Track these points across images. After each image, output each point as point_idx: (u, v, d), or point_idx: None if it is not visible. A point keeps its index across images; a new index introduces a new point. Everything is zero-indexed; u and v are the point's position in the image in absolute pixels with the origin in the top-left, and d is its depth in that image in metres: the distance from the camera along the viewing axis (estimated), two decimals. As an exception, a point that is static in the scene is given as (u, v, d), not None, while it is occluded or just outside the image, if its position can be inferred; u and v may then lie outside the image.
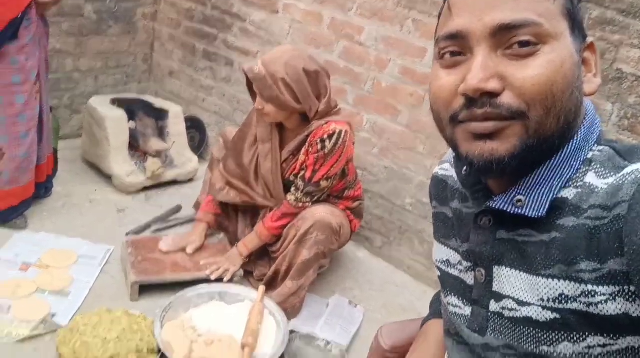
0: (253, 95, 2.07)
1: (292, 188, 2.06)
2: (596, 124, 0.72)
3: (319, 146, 1.95)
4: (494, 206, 0.70)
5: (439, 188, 0.89)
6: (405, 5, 2.26)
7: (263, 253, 2.19)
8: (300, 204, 2.03)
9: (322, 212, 1.97)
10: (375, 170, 2.53)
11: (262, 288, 2.03)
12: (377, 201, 2.57)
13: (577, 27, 0.67)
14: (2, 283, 1.91)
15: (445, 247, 0.85)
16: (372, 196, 2.57)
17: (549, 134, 0.65)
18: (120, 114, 2.75)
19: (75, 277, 2.05)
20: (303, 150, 2.03)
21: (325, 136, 1.95)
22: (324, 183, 2.00)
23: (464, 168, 0.75)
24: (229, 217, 2.38)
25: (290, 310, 2.03)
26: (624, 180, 0.63)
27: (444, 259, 0.85)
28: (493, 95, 0.63)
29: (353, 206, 2.22)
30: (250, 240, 2.13)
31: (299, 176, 2.03)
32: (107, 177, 2.78)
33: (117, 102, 2.90)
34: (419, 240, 2.46)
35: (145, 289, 2.03)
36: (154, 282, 2.02)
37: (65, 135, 3.13)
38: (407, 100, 2.34)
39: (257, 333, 1.86)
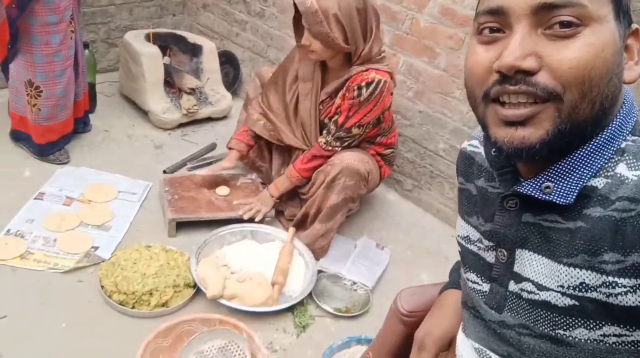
0: (298, 31, 2.03)
1: (324, 131, 2.07)
2: (633, 113, 0.69)
3: (355, 93, 1.93)
4: (522, 191, 0.70)
5: (466, 164, 0.89)
6: (448, -60, 2.13)
7: (294, 194, 2.24)
8: (330, 148, 2.04)
9: (351, 158, 1.98)
10: (409, 113, 2.50)
11: (292, 229, 2.09)
12: (409, 145, 2.56)
13: (622, 11, 0.64)
14: (48, 217, 2.03)
15: (467, 224, 0.86)
16: (405, 140, 2.55)
17: (581, 119, 0.63)
18: (155, 50, 2.76)
19: (116, 211, 2.15)
20: (340, 94, 2.01)
21: (363, 83, 1.92)
22: (355, 130, 2.00)
23: (493, 149, 0.75)
24: (263, 156, 2.41)
25: (319, 250, 2.10)
26: None
27: (465, 235, 0.86)
28: (528, 73, 0.62)
29: (384, 152, 2.22)
30: (281, 182, 2.17)
31: (332, 120, 2.03)
32: (144, 112, 2.84)
33: (152, 37, 2.90)
34: (449, 186, 2.46)
35: (181, 226, 2.12)
36: (189, 219, 2.11)
37: (103, 68, 3.18)
38: (446, 43, 2.26)
39: (287, 272, 1.94)
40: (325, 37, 1.87)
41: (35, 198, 2.13)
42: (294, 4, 1.92)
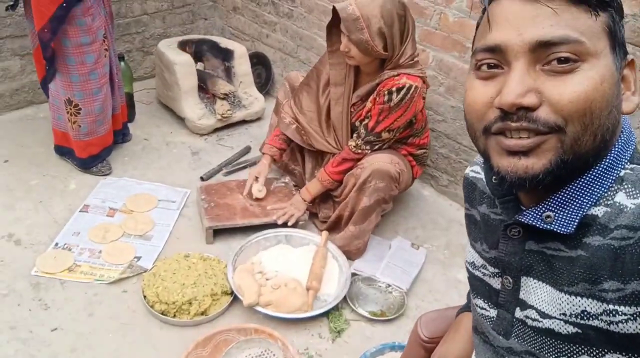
0: (331, 36, 2.04)
1: (354, 134, 2.07)
2: (631, 141, 0.69)
3: (385, 98, 1.93)
4: (523, 220, 0.70)
5: (469, 190, 0.89)
6: None
7: (327, 197, 2.26)
8: (360, 151, 2.05)
9: (381, 161, 1.98)
10: (442, 109, 2.47)
11: (325, 233, 2.12)
12: (443, 140, 2.53)
13: (617, 44, 0.64)
14: (93, 229, 2.13)
15: (472, 249, 0.87)
16: (438, 135, 2.53)
17: (584, 151, 0.63)
18: (188, 58, 2.82)
19: (157, 220, 2.23)
20: (371, 97, 2.01)
21: (394, 88, 1.91)
22: (385, 135, 2.00)
23: (495, 178, 0.75)
24: (296, 159, 2.44)
25: (355, 251, 2.12)
26: None
27: (471, 261, 0.87)
28: (529, 109, 0.62)
29: (417, 153, 2.21)
30: (312, 186, 2.19)
31: (363, 124, 2.04)
32: (181, 119, 2.91)
33: (185, 45, 2.96)
34: (485, 181, 2.42)
35: (218, 232, 2.18)
36: (225, 227, 2.16)
37: (140, 76, 3.28)
38: (475, 37, 2.21)
39: (321, 276, 1.97)
40: (364, 44, 1.86)
41: (80, 211, 2.23)
42: (333, 10, 1.92)
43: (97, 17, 2.16)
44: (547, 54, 0.61)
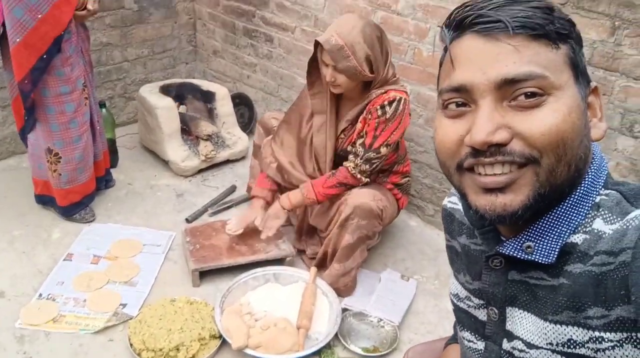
0: (311, 71, 2.07)
1: (351, 156, 2.04)
2: (603, 166, 0.70)
3: (379, 112, 1.95)
4: (504, 252, 0.70)
5: (447, 221, 0.89)
6: (442, -31, 2.15)
7: (313, 233, 2.25)
8: (359, 175, 2.01)
9: (362, 197, 1.97)
10: (422, 140, 2.50)
11: (313, 269, 2.10)
12: (426, 171, 2.55)
13: (580, 73, 0.65)
14: (77, 277, 2.10)
15: (456, 280, 0.86)
16: (421, 166, 2.55)
17: (559, 182, 0.64)
18: (169, 102, 2.84)
19: (142, 266, 2.20)
20: (360, 118, 2.03)
21: (386, 102, 1.95)
22: (383, 150, 2.00)
23: (474, 214, 0.75)
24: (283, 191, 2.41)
25: (343, 288, 2.10)
26: (628, 225, 0.62)
27: (455, 293, 0.86)
28: (501, 145, 0.62)
29: (401, 182, 2.23)
30: (294, 197, 2.10)
31: (359, 143, 2.02)
32: (165, 162, 2.91)
33: (166, 89, 2.99)
34: (470, 209, 2.43)
35: (205, 274, 2.15)
36: (212, 268, 2.14)
37: (123, 122, 3.29)
38: (450, 68, 2.26)
39: (311, 314, 1.95)
40: (352, 70, 1.89)
41: (64, 260, 2.20)
42: (315, 44, 1.95)
43: (76, 66, 2.18)
44: (512, 90, 0.62)
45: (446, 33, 0.68)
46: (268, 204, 2.26)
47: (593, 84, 0.68)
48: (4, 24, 2.01)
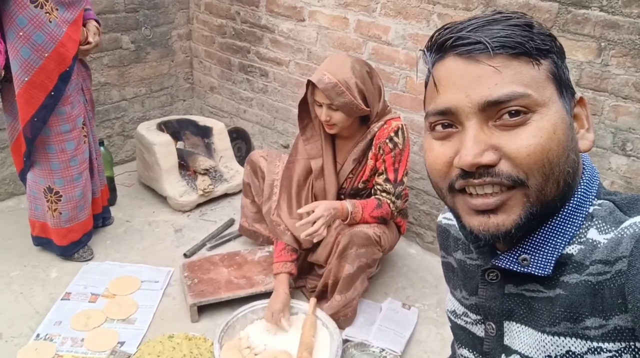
0: (301, 112, 2.09)
1: (382, 193, 2.02)
2: (595, 177, 0.70)
3: (390, 145, 1.98)
4: (500, 265, 0.70)
5: (443, 237, 0.89)
6: (429, 1, 2.20)
7: (311, 267, 2.24)
8: (396, 211, 2.05)
9: (359, 226, 1.97)
10: (418, 166, 2.51)
11: (313, 300, 2.08)
12: (423, 197, 2.55)
13: (564, 87, 0.66)
14: (75, 316, 2.07)
15: (453, 297, 0.85)
16: (418, 193, 2.55)
17: (550, 199, 0.64)
18: (167, 138, 2.87)
19: (140, 303, 2.18)
20: (370, 154, 2.04)
21: (392, 134, 1.98)
22: (405, 179, 2.05)
23: (468, 234, 0.75)
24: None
25: (343, 319, 2.07)
26: (622, 234, 0.62)
27: (452, 310, 0.85)
28: (489, 166, 0.63)
29: (403, 207, 2.23)
30: (349, 208, 1.97)
31: (382, 180, 2.02)
32: (163, 198, 2.92)
33: (164, 126, 3.02)
34: (469, 234, 2.42)
35: (204, 309, 2.13)
36: (210, 302, 2.12)
37: (121, 160, 3.31)
38: (442, 95, 2.29)
39: (312, 346, 1.91)
40: (349, 105, 1.91)
41: (62, 299, 2.18)
42: (307, 84, 1.97)
43: (76, 105, 2.21)
44: (496, 110, 0.63)
45: (428, 56, 0.69)
46: (292, 276, 2.14)
47: (578, 95, 0.69)
48: (6, 67, 2.05)
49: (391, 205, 2.03)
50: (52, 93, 2.07)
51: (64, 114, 2.16)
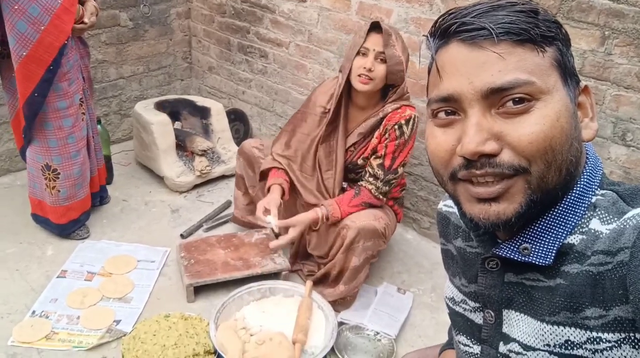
0: (347, 69, 2.00)
1: (370, 178, 2.01)
2: (598, 167, 0.70)
3: (397, 133, 1.96)
4: (501, 253, 0.70)
5: (443, 224, 0.89)
6: (433, -17, 2.18)
7: (309, 254, 2.24)
8: (380, 196, 2.01)
9: (365, 219, 1.95)
10: (417, 152, 2.50)
11: (309, 283, 2.08)
12: (420, 183, 2.55)
13: (568, 75, 0.65)
14: (71, 294, 2.07)
15: (451, 284, 0.86)
16: (416, 178, 2.55)
17: (551, 187, 0.64)
18: (164, 117, 2.85)
19: (136, 282, 2.18)
20: (376, 133, 2.02)
21: (402, 121, 1.96)
22: (400, 170, 2.02)
23: (468, 222, 0.75)
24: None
25: (341, 302, 2.08)
26: (625, 225, 0.62)
27: (450, 296, 0.85)
28: (491, 155, 0.62)
29: (400, 195, 2.24)
30: (323, 213, 2.00)
31: (376, 164, 2.00)
32: (160, 178, 2.91)
33: (161, 105, 3.00)
34: (465, 221, 2.43)
35: (200, 289, 2.14)
36: (207, 283, 2.12)
37: (118, 139, 3.29)
38: (443, 81, 2.28)
39: (307, 328, 1.92)
40: (396, 60, 1.91)
41: (57, 277, 2.18)
42: (371, 27, 1.94)
43: (74, 81, 2.18)
44: (499, 97, 0.62)
45: (431, 42, 0.68)
46: (284, 194, 2.15)
47: (583, 84, 0.68)
48: (4, 43, 2.02)
49: (373, 190, 2.01)
50: (51, 67, 2.05)
51: (61, 91, 2.13)
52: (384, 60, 1.91)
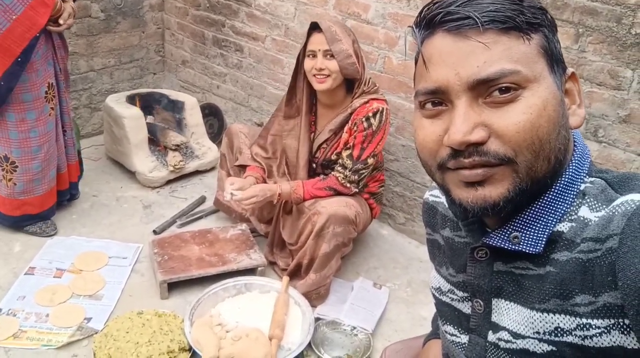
0: (296, 74, 2.12)
1: (339, 168, 2.06)
2: (586, 154, 0.70)
3: (365, 124, 1.98)
4: (490, 243, 0.70)
5: (429, 214, 0.89)
6: (410, -21, 2.18)
7: (284, 245, 2.22)
8: (348, 184, 2.04)
9: (336, 205, 1.97)
10: (393, 148, 2.51)
11: (286, 278, 2.07)
12: (396, 179, 2.56)
13: (555, 61, 0.65)
14: (40, 291, 2.01)
15: (438, 274, 0.85)
16: (392, 174, 2.56)
17: (540, 176, 0.64)
18: (137, 111, 2.79)
19: (107, 279, 2.13)
20: (346, 128, 2.05)
21: (370, 114, 1.98)
22: (370, 161, 2.03)
23: (458, 209, 0.74)
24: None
25: (316, 296, 2.07)
26: (614, 212, 0.62)
27: (437, 287, 0.85)
28: (478, 144, 0.62)
29: (377, 191, 2.25)
30: (284, 186, 2.06)
31: (345, 155, 2.04)
32: (132, 173, 2.84)
33: (133, 99, 2.93)
34: (441, 216, 2.45)
35: (174, 286, 2.09)
36: (181, 279, 2.08)
37: (88, 133, 3.21)
38: (419, 77, 2.29)
39: (284, 323, 1.91)
40: (345, 54, 1.93)
41: (25, 274, 2.11)
42: (310, 29, 1.99)
43: (42, 73, 2.11)
44: (486, 87, 0.62)
45: (417, 32, 0.68)
46: (257, 182, 2.18)
47: (570, 70, 0.68)
48: None
49: (340, 177, 2.04)
50: (19, 59, 1.98)
51: (27, 82, 2.06)
52: (333, 56, 1.94)
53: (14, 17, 1.91)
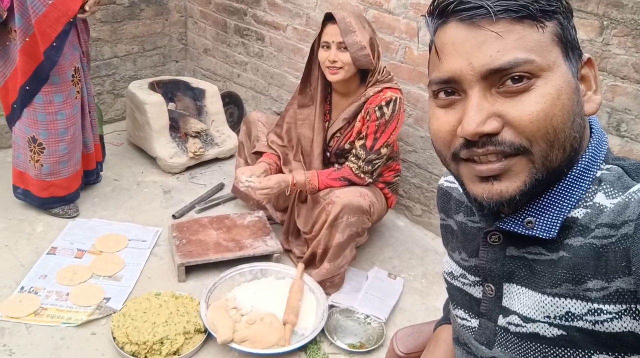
0: (310, 64, 2.12)
1: (352, 158, 2.06)
2: (603, 141, 0.69)
3: (378, 114, 1.98)
4: (504, 227, 0.70)
5: (443, 200, 0.89)
6: (433, -31, 2.16)
7: (299, 234, 2.24)
8: (362, 175, 2.04)
9: (350, 195, 1.97)
10: (411, 139, 2.50)
11: (301, 265, 2.09)
12: (414, 170, 2.55)
13: (570, 49, 0.64)
14: (61, 271, 2.06)
15: (450, 259, 0.86)
16: (409, 166, 2.55)
17: (555, 165, 0.64)
18: (159, 98, 2.82)
19: (127, 260, 2.18)
20: (359, 117, 2.05)
21: (383, 103, 1.97)
22: (384, 151, 2.02)
23: (472, 203, 0.74)
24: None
25: (330, 285, 2.08)
26: (630, 198, 0.62)
27: (449, 271, 0.85)
28: (492, 134, 0.62)
29: (393, 181, 2.24)
30: (298, 176, 2.07)
31: (359, 145, 2.04)
32: (152, 159, 2.89)
33: (156, 85, 2.97)
34: (458, 209, 2.44)
35: (191, 270, 2.13)
36: (198, 263, 2.12)
37: (111, 119, 3.26)
38: (440, 68, 2.28)
39: (298, 310, 1.93)
40: (358, 46, 1.93)
41: (47, 253, 2.17)
42: (325, 19, 1.99)
43: (69, 56, 2.16)
44: (499, 77, 0.62)
45: (430, 22, 0.68)
46: (270, 171, 2.20)
47: (586, 56, 0.67)
48: (10, 9, 1.99)
49: (354, 168, 2.04)
50: (54, 44, 2.03)
51: (56, 65, 2.10)
52: (346, 48, 1.93)
53: (49, 1, 1.97)
